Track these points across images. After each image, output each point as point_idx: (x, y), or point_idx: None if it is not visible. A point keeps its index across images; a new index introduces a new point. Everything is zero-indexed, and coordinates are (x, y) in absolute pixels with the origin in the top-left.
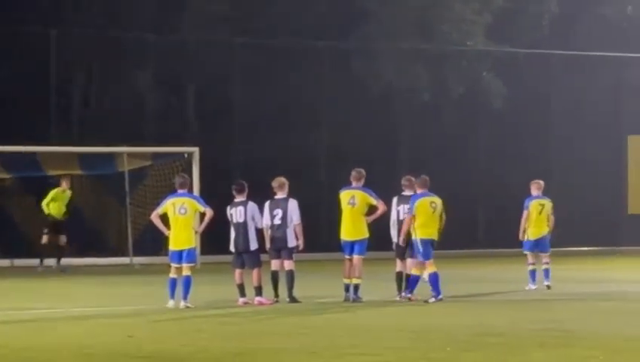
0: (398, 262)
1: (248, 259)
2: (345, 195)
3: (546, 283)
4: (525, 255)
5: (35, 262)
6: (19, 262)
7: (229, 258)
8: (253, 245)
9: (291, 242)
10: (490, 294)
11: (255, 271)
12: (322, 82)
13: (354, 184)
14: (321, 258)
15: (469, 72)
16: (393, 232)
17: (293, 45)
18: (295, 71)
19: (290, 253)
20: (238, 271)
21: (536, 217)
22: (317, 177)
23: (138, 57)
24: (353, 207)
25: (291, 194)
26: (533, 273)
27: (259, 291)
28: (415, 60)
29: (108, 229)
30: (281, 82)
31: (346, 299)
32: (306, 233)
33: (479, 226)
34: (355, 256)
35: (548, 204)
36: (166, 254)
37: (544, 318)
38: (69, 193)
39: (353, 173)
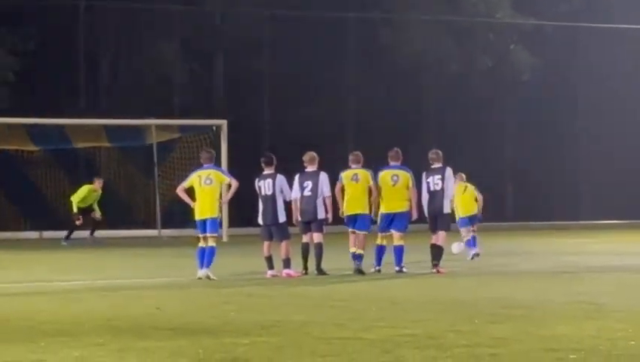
0: (433, 234)
1: (276, 231)
2: (386, 174)
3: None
4: None
5: (63, 234)
6: (47, 234)
7: (256, 230)
8: (282, 217)
9: (321, 214)
10: (518, 267)
11: (283, 244)
12: (349, 54)
13: (392, 163)
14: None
15: (496, 45)
16: (425, 205)
17: (321, 17)
18: (322, 42)
19: (319, 225)
20: (266, 244)
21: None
22: (344, 150)
23: (165, 29)
24: (395, 185)
25: (321, 167)
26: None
27: (287, 263)
28: (443, 32)
29: (136, 202)
30: (308, 54)
31: None
32: (333, 206)
33: (507, 199)
34: (395, 232)
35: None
36: (193, 226)
37: (573, 291)
38: (99, 193)
39: (392, 152)
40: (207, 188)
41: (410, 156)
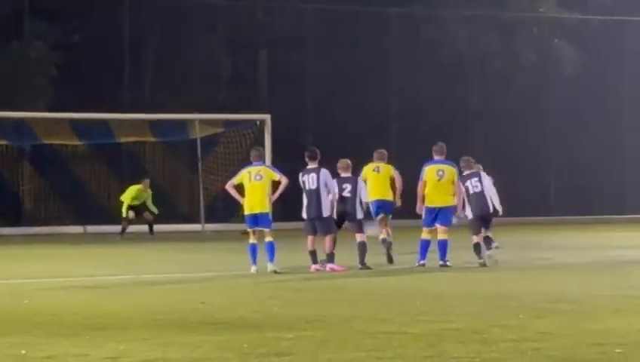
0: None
1: (320, 225)
2: (432, 169)
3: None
4: None
5: (107, 228)
6: (91, 228)
7: (300, 225)
8: (326, 212)
9: (359, 214)
10: (564, 261)
11: (328, 238)
12: (392, 48)
13: (437, 158)
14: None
15: (540, 40)
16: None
17: (364, 11)
18: (365, 37)
19: (359, 225)
20: (310, 238)
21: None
22: (387, 143)
23: (210, 23)
24: (440, 180)
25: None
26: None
27: (331, 258)
28: (486, 27)
29: (180, 196)
30: (351, 48)
31: None
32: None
33: (551, 193)
34: (439, 226)
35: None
36: (240, 221)
37: (621, 285)
38: (149, 193)
39: (436, 147)
40: (258, 184)
41: (454, 150)
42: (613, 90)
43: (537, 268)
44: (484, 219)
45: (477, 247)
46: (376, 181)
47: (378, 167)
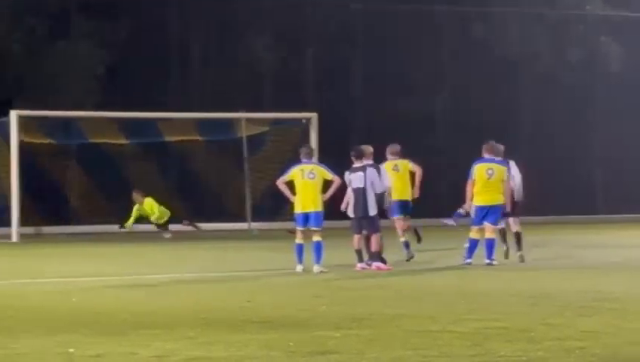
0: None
1: (367, 224)
2: (481, 168)
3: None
4: None
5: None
6: (138, 227)
7: (346, 223)
8: (372, 211)
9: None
10: (610, 260)
11: (374, 237)
12: (441, 46)
13: (487, 156)
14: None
15: (587, 37)
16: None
17: (412, 9)
18: (414, 35)
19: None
20: (356, 237)
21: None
22: (435, 142)
23: (256, 21)
24: (490, 178)
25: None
26: None
27: (377, 256)
28: (535, 25)
29: (226, 195)
30: (399, 46)
31: None
32: (425, 198)
33: (598, 191)
34: (488, 225)
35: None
36: (290, 219)
37: None
38: (147, 201)
39: (486, 145)
40: (311, 182)
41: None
42: None
43: (582, 266)
44: (513, 208)
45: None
46: (397, 180)
47: (397, 165)
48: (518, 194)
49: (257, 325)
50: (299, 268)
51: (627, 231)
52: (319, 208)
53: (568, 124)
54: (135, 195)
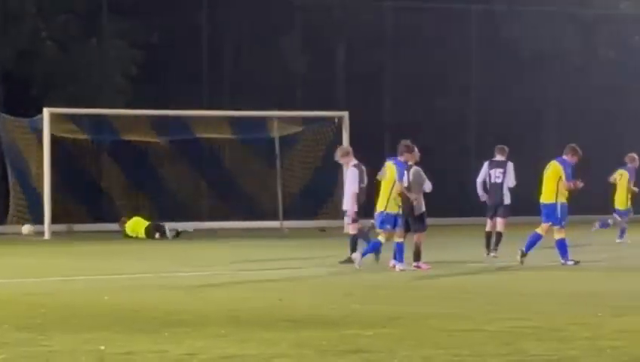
0: (488, 221)
1: (413, 222)
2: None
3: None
4: None
5: (185, 225)
6: (170, 225)
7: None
8: (419, 208)
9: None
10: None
11: (417, 236)
12: (471, 45)
13: (498, 157)
14: (474, 222)
15: (619, 36)
16: (481, 192)
17: (443, 8)
18: (444, 34)
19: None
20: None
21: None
22: (465, 141)
23: (287, 20)
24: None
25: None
26: None
27: (417, 255)
28: (566, 24)
29: (259, 194)
30: (429, 45)
31: None
32: (455, 197)
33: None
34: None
35: None
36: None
37: None
38: (135, 221)
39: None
40: (383, 182)
41: (527, 148)
42: None
43: (622, 267)
44: (496, 210)
45: (487, 236)
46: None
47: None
48: (507, 196)
49: (289, 323)
50: (399, 266)
51: None
52: (381, 209)
53: (598, 124)
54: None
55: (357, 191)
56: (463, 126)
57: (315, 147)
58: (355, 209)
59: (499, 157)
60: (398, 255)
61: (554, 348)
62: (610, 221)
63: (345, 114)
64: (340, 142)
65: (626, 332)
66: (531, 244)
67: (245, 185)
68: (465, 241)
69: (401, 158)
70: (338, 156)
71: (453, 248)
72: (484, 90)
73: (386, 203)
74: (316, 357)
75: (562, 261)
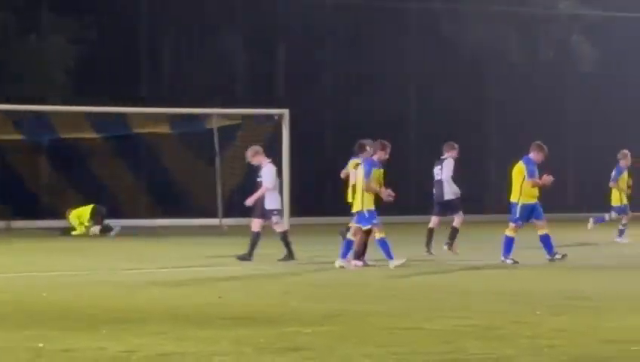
0: (432, 218)
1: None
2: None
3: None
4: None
5: (126, 222)
6: (111, 222)
7: (317, 220)
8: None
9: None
10: (586, 258)
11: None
12: (410, 44)
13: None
14: (411, 221)
15: (558, 36)
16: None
17: (382, 6)
18: (383, 32)
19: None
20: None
21: None
22: (405, 140)
23: (227, 17)
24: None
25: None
26: None
27: (356, 254)
28: (505, 23)
29: (197, 190)
30: (369, 44)
31: None
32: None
33: (568, 189)
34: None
35: None
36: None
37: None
38: (80, 211)
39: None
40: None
41: (471, 145)
42: (631, 86)
43: (555, 265)
44: (440, 206)
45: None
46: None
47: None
48: (448, 193)
49: (228, 321)
50: (391, 263)
51: (599, 228)
52: (359, 208)
53: (537, 123)
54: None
55: (277, 187)
56: (401, 125)
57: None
58: (278, 206)
59: (444, 155)
60: (346, 250)
61: (493, 346)
62: (606, 216)
63: (285, 111)
64: (280, 140)
65: (564, 331)
66: (546, 245)
67: (184, 182)
68: (403, 240)
69: (375, 157)
70: (249, 156)
71: (393, 247)
72: (424, 89)
73: (362, 201)
74: (254, 355)
75: (502, 258)
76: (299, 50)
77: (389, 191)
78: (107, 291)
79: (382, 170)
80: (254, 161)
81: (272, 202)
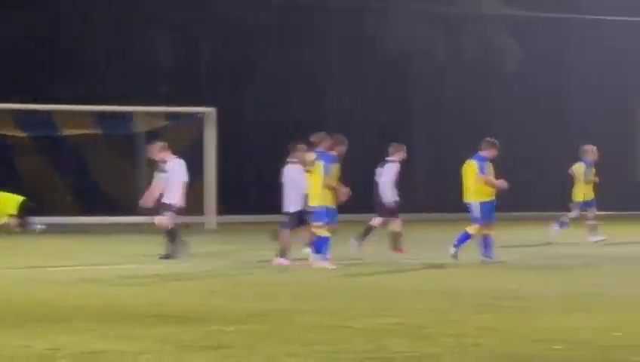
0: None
1: (286, 218)
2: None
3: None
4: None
5: (50, 220)
6: (37, 220)
7: (245, 218)
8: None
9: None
10: (517, 258)
11: (283, 233)
12: (334, 43)
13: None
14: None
15: (484, 36)
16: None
17: (305, 4)
18: (306, 30)
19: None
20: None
21: None
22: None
23: (154, 14)
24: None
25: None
26: None
27: (282, 252)
28: (430, 23)
29: (121, 189)
30: (292, 42)
31: None
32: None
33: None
34: None
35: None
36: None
37: (572, 283)
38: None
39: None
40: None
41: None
42: (556, 87)
43: (488, 264)
44: (380, 208)
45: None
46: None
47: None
48: (386, 195)
49: (152, 319)
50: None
51: (524, 228)
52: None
53: (463, 123)
54: None
55: (186, 181)
56: (324, 123)
57: (179, 143)
58: (178, 203)
59: (389, 156)
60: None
61: (417, 345)
62: (565, 219)
63: (212, 110)
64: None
65: (489, 329)
66: (485, 245)
67: (108, 180)
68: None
69: (333, 152)
70: (155, 152)
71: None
72: (346, 87)
73: (317, 197)
74: (177, 353)
75: (452, 250)
76: (225, 48)
77: (348, 190)
78: (33, 288)
79: (338, 165)
80: (160, 157)
81: (173, 197)
